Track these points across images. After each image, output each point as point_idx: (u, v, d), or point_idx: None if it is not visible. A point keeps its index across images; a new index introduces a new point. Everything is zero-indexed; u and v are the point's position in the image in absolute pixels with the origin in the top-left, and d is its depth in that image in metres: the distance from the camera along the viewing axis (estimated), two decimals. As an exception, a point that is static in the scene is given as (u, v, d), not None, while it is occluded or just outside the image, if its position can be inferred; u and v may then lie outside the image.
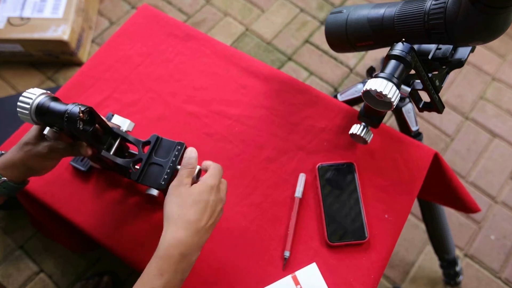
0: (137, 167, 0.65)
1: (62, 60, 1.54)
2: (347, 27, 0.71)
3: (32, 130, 0.60)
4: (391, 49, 0.61)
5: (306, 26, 1.63)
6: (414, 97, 0.69)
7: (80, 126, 0.56)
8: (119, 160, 0.64)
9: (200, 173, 0.62)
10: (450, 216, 1.30)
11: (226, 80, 0.86)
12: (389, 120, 1.45)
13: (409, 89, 0.65)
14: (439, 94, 0.66)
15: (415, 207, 1.22)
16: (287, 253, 0.69)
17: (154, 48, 0.90)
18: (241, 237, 0.72)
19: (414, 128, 0.91)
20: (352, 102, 0.96)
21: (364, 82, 0.93)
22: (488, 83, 1.52)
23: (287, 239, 0.71)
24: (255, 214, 0.74)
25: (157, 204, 0.74)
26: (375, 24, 0.66)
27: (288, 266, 0.69)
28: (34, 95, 0.57)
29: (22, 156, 0.58)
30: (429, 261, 1.25)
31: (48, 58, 1.54)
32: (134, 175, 0.63)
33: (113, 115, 0.72)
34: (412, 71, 0.62)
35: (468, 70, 1.55)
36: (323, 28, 1.59)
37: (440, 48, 0.66)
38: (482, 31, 0.54)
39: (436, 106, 0.67)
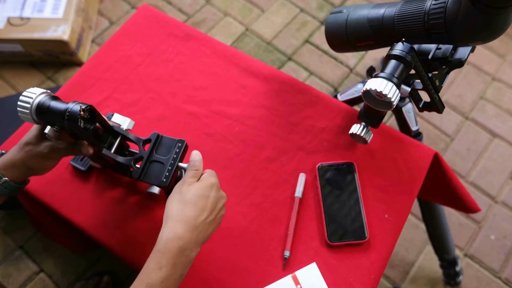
0: (137, 165, 0.65)
1: (62, 60, 1.54)
2: (347, 27, 0.71)
3: (33, 130, 0.60)
4: (391, 49, 0.61)
5: (306, 26, 1.63)
6: (414, 97, 0.69)
7: (81, 125, 0.56)
8: (120, 159, 0.64)
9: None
10: (450, 216, 1.30)
11: (226, 80, 0.86)
12: (389, 120, 1.45)
13: (409, 89, 0.65)
14: (439, 94, 0.66)
15: (415, 207, 1.22)
16: (287, 253, 0.70)
17: (154, 48, 0.90)
18: (241, 237, 0.72)
19: (414, 128, 0.91)
20: (352, 102, 0.96)
21: (364, 82, 0.93)
22: (488, 83, 1.53)
23: (287, 239, 0.71)
24: (255, 214, 0.74)
25: (158, 202, 0.74)
26: (375, 24, 0.66)
27: (288, 266, 0.69)
28: (34, 94, 0.57)
29: (23, 156, 0.58)
30: (429, 261, 1.25)
31: (48, 58, 1.54)
32: (136, 173, 0.63)
33: (113, 115, 0.72)
34: (412, 71, 0.62)
35: (468, 70, 1.55)
36: (323, 28, 1.59)
37: (440, 48, 0.66)
38: (482, 31, 0.54)
39: (436, 106, 0.67)
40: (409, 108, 0.90)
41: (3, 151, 0.64)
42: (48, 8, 1.48)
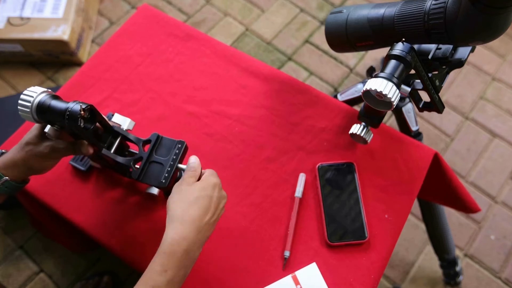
0: (137, 166, 0.65)
1: (62, 60, 1.54)
2: (347, 27, 0.71)
3: (33, 129, 0.60)
4: (391, 49, 0.61)
5: (306, 26, 1.63)
6: (414, 97, 0.69)
7: (81, 124, 0.56)
8: (120, 159, 0.64)
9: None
10: (450, 216, 1.30)
11: (226, 80, 0.86)
12: (389, 120, 1.45)
13: (409, 89, 0.65)
14: (439, 94, 0.66)
15: (415, 207, 1.22)
16: (287, 253, 0.70)
17: (154, 48, 0.90)
18: (241, 237, 0.72)
19: (414, 128, 0.91)
20: (352, 102, 0.96)
21: (364, 82, 0.93)
22: (488, 83, 1.53)
23: (287, 239, 0.71)
24: (255, 214, 0.74)
25: (157, 203, 0.74)
26: (375, 24, 0.66)
27: (288, 266, 0.69)
28: (35, 93, 0.57)
29: (24, 156, 0.58)
30: (429, 261, 1.25)
31: (48, 58, 1.54)
32: (135, 174, 0.63)
33: (113, 115, 0.72)
34: (412, 71, 0.62)
35: (468, 70, 1.55)
36: (323, 28, 1.59)
37: (440, 48, 0.66)
38: (482, 31, 0.54)
39: (436, 106, 0.67)
40: (409, 108, 0.90)
41: (3, 151, 0.64)
42: (48, 8, 1.48)
